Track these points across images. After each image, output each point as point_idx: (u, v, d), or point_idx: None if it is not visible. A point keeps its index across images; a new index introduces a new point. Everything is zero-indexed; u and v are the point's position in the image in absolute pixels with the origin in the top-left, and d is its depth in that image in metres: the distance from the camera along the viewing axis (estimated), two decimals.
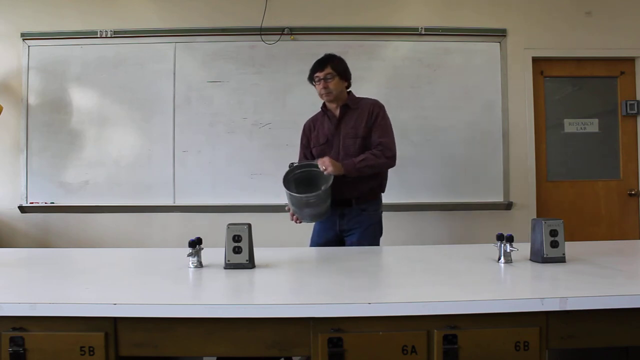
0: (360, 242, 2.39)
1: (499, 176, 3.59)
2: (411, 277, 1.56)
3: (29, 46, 3.56)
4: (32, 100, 3.57)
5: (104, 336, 1.22)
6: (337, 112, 2.51)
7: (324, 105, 2.57)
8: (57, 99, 3.57)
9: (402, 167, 3.53)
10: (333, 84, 2.44)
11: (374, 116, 2.46)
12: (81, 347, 1.21)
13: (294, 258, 1.94)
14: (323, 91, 2.45)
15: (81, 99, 3.58)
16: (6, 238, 3.53)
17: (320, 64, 2.47)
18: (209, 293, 1.45)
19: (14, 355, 1.21)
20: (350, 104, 2.50)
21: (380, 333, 1.21)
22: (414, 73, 3.58)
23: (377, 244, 2.49)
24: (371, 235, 2.45)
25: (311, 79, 2.52)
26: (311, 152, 2.60)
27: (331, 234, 2.48)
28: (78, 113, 3.57)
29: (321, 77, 2.44)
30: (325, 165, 2.26)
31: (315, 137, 2.56)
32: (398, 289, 1.39)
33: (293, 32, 3.55)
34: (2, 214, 3.56)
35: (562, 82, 3.73)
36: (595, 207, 3.70)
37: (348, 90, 2.55)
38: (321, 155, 2.44)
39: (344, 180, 2.31)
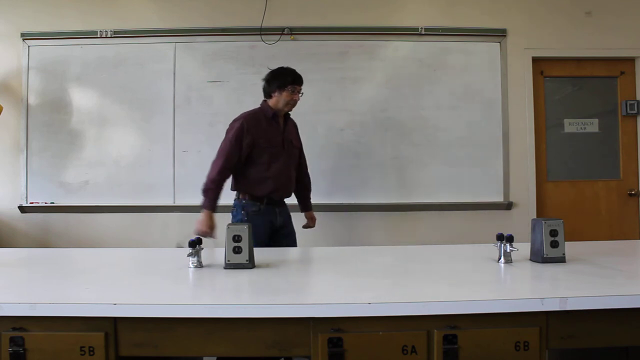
0: (293, 231, 2.72)
1: (499, 176, 3.59)
2: (411, 277, 1.56)
3: (29, 46, 3.56)
4: (32, 100, 3.57)
5: (104, 336, 1.22)
6: (281, 121, 2.69)
7: (272, 110, 2.64)
8: (57, 99, 3.57)
9: (402, 167, 3.57)
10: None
11: (299, 134, 2.83)
12: (81, 347, 1.21)
13: (293, 258, 1.94)
14: (293, 102, 2.64)
15: (81, 99, 3.58)
16: (6, 238, 3.53)
17: (301, 80, 2.66)
18: (209, 293, 1.45)
19: (14, 355, 1.21)
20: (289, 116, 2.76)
21: (380, 333, 1.21)
22: (414, 73, 3.58)
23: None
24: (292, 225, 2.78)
25: (284, 86, 2.59)
26: (250, 152, 2.56)
27: (269, 231, 2.62)
28: (78, 113, 3.57)
29: (299, 91, 2.63)
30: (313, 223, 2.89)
31: (266, 138, 2.59)
32: (398, 289, 1.39)
33: (293, 32, 3.55)
34: (2, 214, 3.56)
35: (562, 82, 3.73)
36: (595, 207, 3.70)
37: None
38: (274, 156, 2.59)
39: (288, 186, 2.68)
